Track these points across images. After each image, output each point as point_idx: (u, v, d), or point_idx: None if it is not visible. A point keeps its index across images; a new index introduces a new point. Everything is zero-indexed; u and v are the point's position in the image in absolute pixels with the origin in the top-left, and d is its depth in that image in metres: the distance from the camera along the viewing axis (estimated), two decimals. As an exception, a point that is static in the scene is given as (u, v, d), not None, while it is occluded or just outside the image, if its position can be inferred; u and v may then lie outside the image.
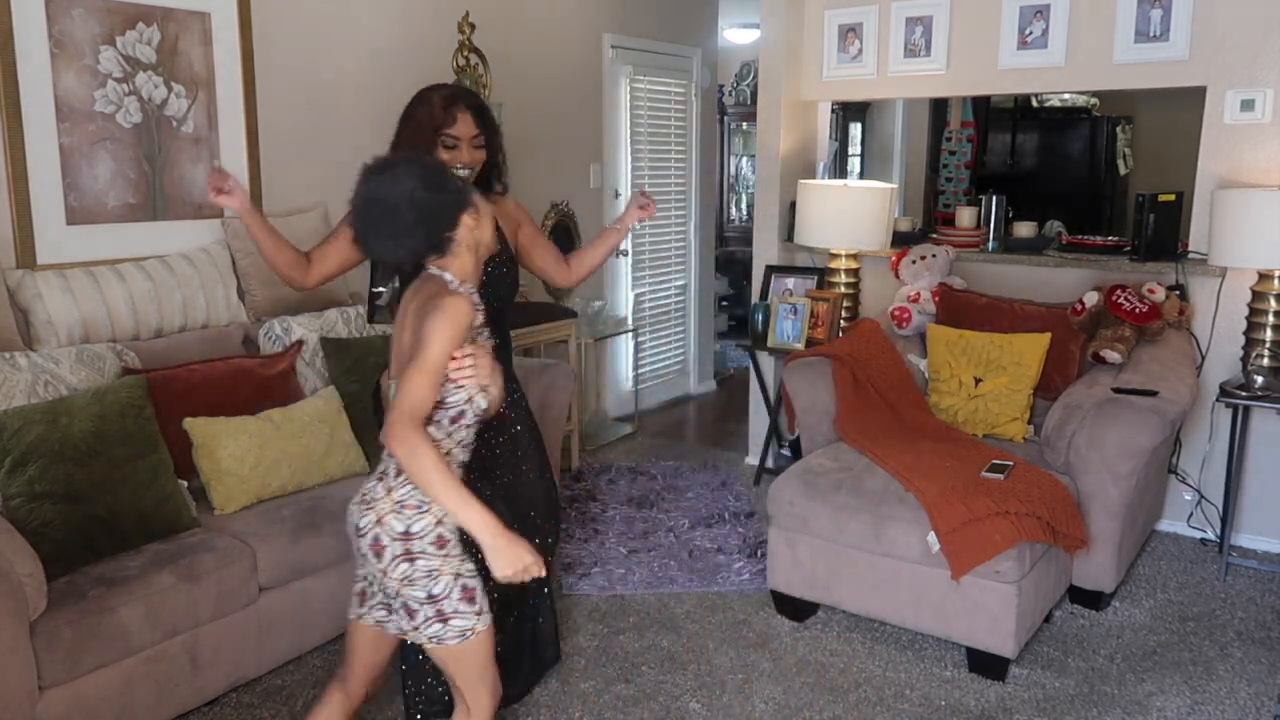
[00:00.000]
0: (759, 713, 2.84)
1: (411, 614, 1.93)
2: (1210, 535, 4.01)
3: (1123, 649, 3.17)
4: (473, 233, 2.01)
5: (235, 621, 2.79)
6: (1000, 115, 8.11)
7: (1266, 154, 3.80)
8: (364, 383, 3.44)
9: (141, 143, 3.44)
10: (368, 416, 3.39)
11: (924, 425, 3.68)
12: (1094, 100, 7.97)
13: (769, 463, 4.78)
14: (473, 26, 4.36)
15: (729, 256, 8.45)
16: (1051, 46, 4.14)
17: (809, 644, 3.21)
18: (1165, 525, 4.13)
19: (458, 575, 1.94)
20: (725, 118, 8.26)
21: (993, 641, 2.94)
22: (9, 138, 3.09)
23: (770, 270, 4.86)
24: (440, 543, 1.92)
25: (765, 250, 4.95)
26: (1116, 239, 4.58)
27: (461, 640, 1.93)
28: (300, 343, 3.45)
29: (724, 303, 8.12)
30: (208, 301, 3.46)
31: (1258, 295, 3.69)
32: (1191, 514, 4.06)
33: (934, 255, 4.30)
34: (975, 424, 3.72)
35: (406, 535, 1.91)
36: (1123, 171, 7.98)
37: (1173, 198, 4.08)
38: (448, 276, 1.99)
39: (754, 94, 6.97)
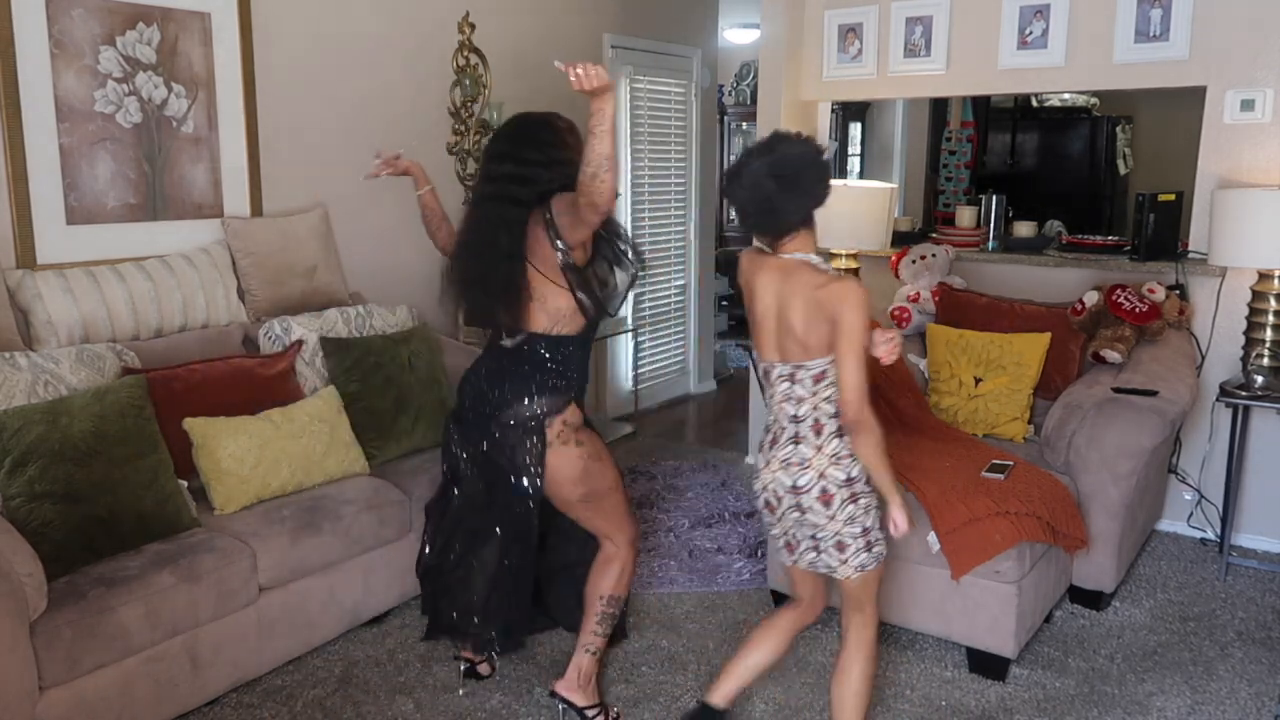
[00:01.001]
0: (759, 713, 2.84)
1: (843, 549, 2.28)
2: (1210, 535, 4.01)
3: (1123, 649, 3.17)
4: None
5: (235, 621, 2.79)
6: (1000, 115, 8.11)
7: (1266, 154, 3.79)
8: (364, 382, 3.45)
9: (141, 143, 3.44)
10: (368, 416, 3.40)
11: (924, 425, 3.68)
12: (1094, 100, 7.97)
13: (769, 463, 4.77)
14: (473, 26, 4.37)
15: (729, 256, 8.45)
16: (1051, 46, 4.14)
17: (809, 644, 3.21)
18: (1165, 525, 4.13)
19: (878, 508, 2.28)
20: (725, 118, 8.26)
21: (993, 641, 2.94)
22: (9, 138, 3.09)
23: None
24: (868, 482, 2.27)
25: (765, 250, 4.94)
26: (1116, 239, 4.59)
27: (877, 564, 2.32)
28: (300, 343, 3.45)
29: (724, 303, 8.12)
30: (208, 301, 3.46)
31: (1258, 295, 3.69)
32: (1191, 514, 4.06)
33: (934, 255, 4.30)
34: (975, 424, 3.72)
35: (849, 481, 2.25)
36: (1123, 171, 7.98)
37: (1173, 198, 4.08)
38: (814, 259, 2.26)
39: (754, 94, 6.98)
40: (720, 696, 2.48)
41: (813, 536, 2.29)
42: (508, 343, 2.58)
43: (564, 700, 2.72)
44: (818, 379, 2.23)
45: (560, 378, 2.55)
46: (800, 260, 2.25)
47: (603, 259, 2.55)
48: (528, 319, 2.52)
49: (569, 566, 2.85)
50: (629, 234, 2.64)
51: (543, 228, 2.46)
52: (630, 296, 5.81)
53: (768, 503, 2.34)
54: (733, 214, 9.24)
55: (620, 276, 2.57)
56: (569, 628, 2.92)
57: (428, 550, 2.85)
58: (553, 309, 2.51)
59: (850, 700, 2.34)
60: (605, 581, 2.69)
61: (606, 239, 2.55)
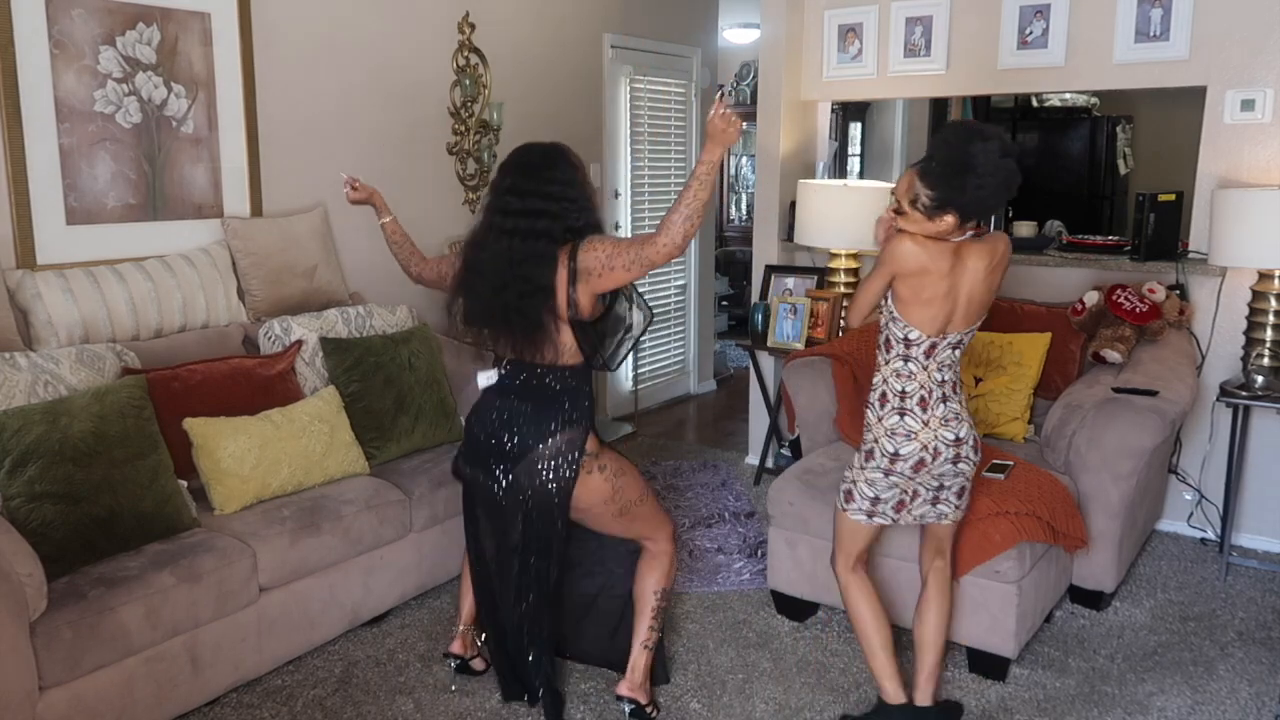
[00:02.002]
0: (759, 713, 2.84)
1: (961, 494, 2.64)
2: (1210, 535, 4.01)
3: (1123, 649, 3.17)
4: None
5: (235, 621, 2.79)
6: (1000, 115, 8.10)
7: (1266, 154, 3.79)
8: (364, 382, 3.45)
9: (141, 143, 3.44)
10: (368, 416, 3.40)
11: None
12: (1094, 100, 7.97)
13: (769, 463, 4.78)
14: (473, 26, 4.37)
15: (729, 256, 8.46)
16: (1051, 46, 4.14)
17: (809, 644, 3.21)
18: (1165, 525, 4.13)
19: None
20: (725, 118, 8.25)
21: (993, 641, 2.94)
22: (9, 138, 3.09)
23: (770, 270, 4.86)
24: None
25: (765, 250, 4.95)
26: (1116, 239, 4.58)
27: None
28: (300, 343, 3.45)
29: (724, 303, 8.12)
30: (208, 301, 3.46)
31: (1258, 295, 3.69)
32: (1192, 514, 4.06)
33: (934, 255, 4.29)
34: (975, 424, 3.70)
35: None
36: (1123, 171, 7.97)
37: (1173, 197, 4.08)
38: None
39: (754, 94, 6.97)
40: (923, 695, 2.70)
41: (949, 487, 2.59)
42: (504, 369, 2.58)
43: (631, 701, 2.75)
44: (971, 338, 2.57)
45: (574, 409, 2.55)
46: (974, 238, 2.49)
47: (615, 312, 2.58)
48: (541, 353, 2.51)
49: (587, 602, 2.90)
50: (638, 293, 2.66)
51: (565, 270, 2.44)
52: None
53: (921, 460, 2.52)
54: (733, 214, 9.19)
55: (630, 323, 2.60)
56: (600, 663, 2.97)
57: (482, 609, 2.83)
58: (559, 342, 2.50)
59: (943, 629, 2.70)
60: (654, 577, 2.76)
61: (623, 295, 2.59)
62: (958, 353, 2.54)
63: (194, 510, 2.91)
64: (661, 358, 6.28)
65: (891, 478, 2.55)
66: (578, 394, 2.56)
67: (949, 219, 2.40)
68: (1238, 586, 3.63)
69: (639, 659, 2.77)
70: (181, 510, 2.84)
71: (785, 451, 4.77)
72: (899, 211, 2.48)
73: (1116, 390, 3.44)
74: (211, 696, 2.78)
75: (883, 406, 2.55)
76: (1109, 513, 3.26)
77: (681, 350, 6.45)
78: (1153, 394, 3.37)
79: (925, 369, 2.51)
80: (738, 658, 3.13)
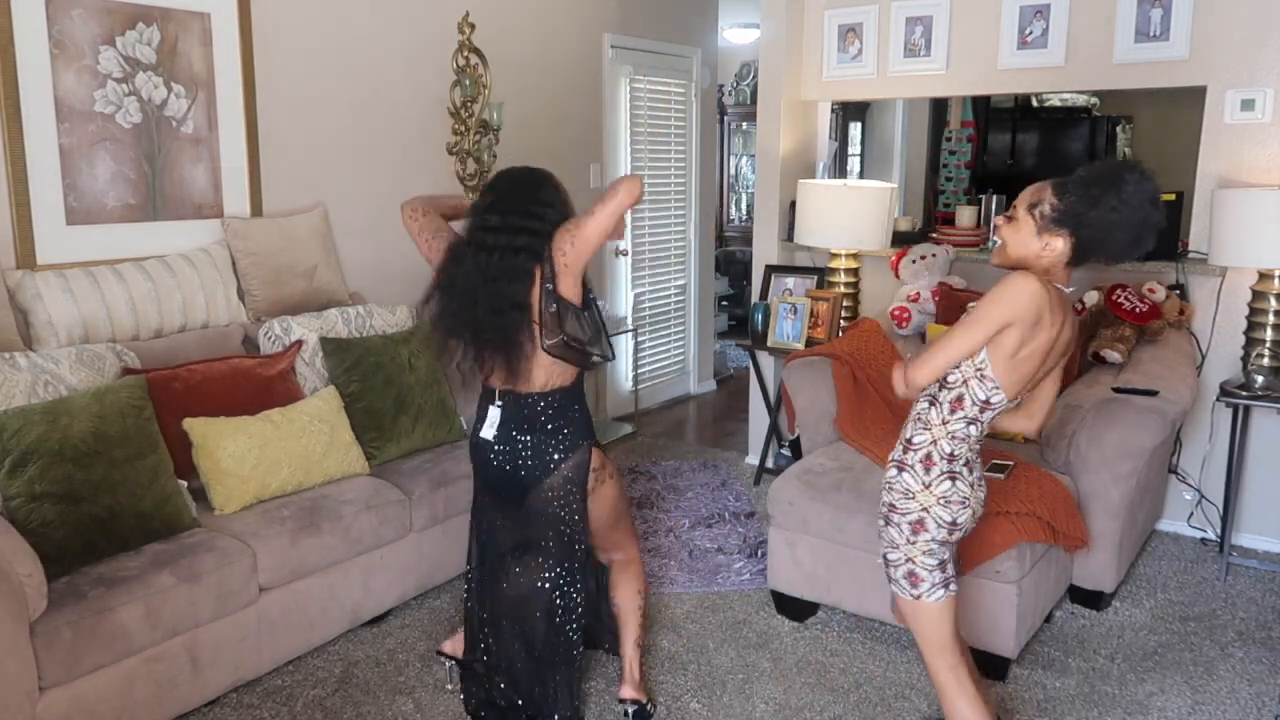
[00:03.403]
0: (759, 713, 2.84)
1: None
2: (1210, 535, 4.01)
3: (1123, 649, 3.17)
4: None
5: (235, 621, 2.79)
6: (1000, 115, 8.10)
7: (1266, 154, 3.79)
8: (364, 382, 3.45)
9: (141, 143, 3.44)
10: (368, 416, 3.40)
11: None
12: (1094, 100, 7.96)
13: (769, 463, 4.78)
14: (473, 26, 4.36)
15: (729, 256, 8.46)
16: (1051, 46, 4.14)
17: (809, 644, 3.21)
18: (1165, 525, 4.13)
19: None
20: (725, 118, 8.27)
21: (993, 641, 2.94)
22: (9, 138, 3.09)
23: (770, 270, 4.86)
24: None
25: (765, 250, 4.95)
26: (1117, 239, 4.57)
27: None
28: (300, 343, 3.45)
29: (724, 303, 8.12)
30: (208, 301, 3.46)
31: (1258, 295, 3.69)
32: (1192, 514, 4.06)
33: (934, 255, 4.30)
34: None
35: None
36: (1123, 171, 7.96)
37: (1173, 197, 4.08)
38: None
39: (754, 94, 6.98)
40: None
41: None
42: (498, 403, 2.54)
43: (633, 703, 2.76)
44: None
45: (574, 433, 2.55)
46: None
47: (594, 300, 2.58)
48: (527, 378, 2.49)
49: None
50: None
51: (539, 286, 2.42)
52: (629, 296, 5.81)
53: (968, 529, 2.33)
54: (733, 214, 9.16)
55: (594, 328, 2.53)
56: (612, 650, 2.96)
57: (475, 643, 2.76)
58: (546, 363, 2.48)
59: None
60: (635, 582, 2.83)
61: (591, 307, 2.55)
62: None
63: (194, 510, 2.91)
64: (661, 358, 6.28)
65: (947, 547, 2.30)
66: (573, 416, 2.56)
67: (1059, 243, 2.09)
68: (1238, 586, 3.63)
69: (634, 660, 2.81)
70: (181, 510, 2.84)
71: (785, 451, 4.77)
72: (1009, 218, 2.18)
73: (1116, 390, 3.44)
74: (211, 696, 2.78)
75: (928, 471, 2.24)
76: (1109, 513, 3.26)
77: (681, 350, 6.45)
78: (1153, 394, 3.37)
79: (982, 432, 2.26)
80: (738, 658, 3.13)
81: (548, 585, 2.58)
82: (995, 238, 2.26)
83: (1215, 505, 3.96)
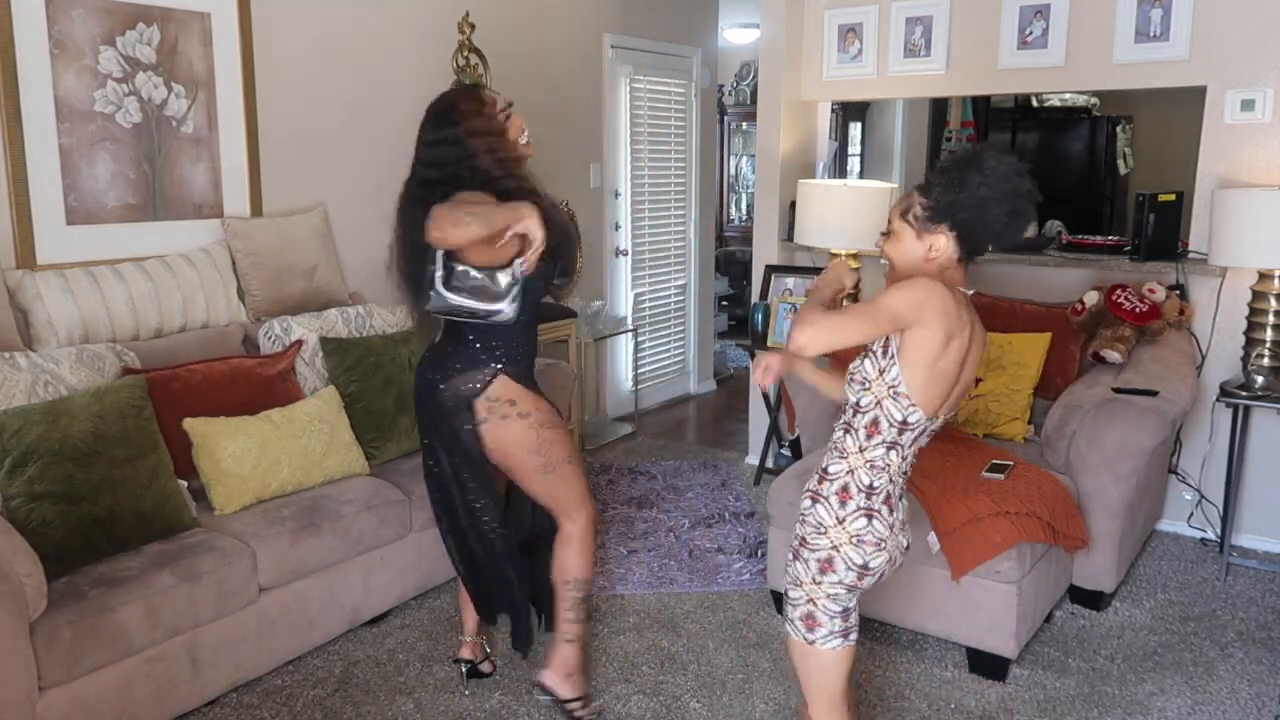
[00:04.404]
0: (759, 713, 2.84)
1: None
2: (1210, 535, 4.01)
3: (1123, 649, 3.17)
4: None
5: (235, 621, 2.79)
6: (1000, 115, 8.10)
7: (1266, 154, 3.79)
8: (364, 382, 3.45)
9: (141, 143, 3.44)
10: (368, 416, 3.40)
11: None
12: (1094, 100, 7.96)
13: (769, 463, 4.78)
14: (473, 26, 4.36)
15: (729, 256, 8.46)
16: (1051, 46, 4.14)
17: (809, 644, 3.20)
18: (1165, 525, 4.12)
19: None
20: (725, 118, 8.26)
21: (993, 642, 2.94)
22: (9, 138, 3.09)
23: (770, 270, 4.86)
24: None
25: (765, 250, 4.95)
26: (1116, 239, 4.58)
27: None
28: (300, 343, 3.45)
29: (724, 303, 8.12)
30: (208, 301, 3.46)
31: (1258, 295, 3.69)
32: (1192, 514, 4.06)
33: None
34: (975, 424, 3.71)
35: None
36: (1123, 171, 7.97)
37: (1173, 198, 4.08)
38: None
39: (754, 94, 6.97)
40: None
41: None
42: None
43: (548, 691, 2.75)
44: None
45: (483, 351, 2.57)
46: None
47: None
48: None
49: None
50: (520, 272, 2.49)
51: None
52: (629, 296, 5.81)
53: (882, 575, 2.08)
54: (733, 214, 9.15)
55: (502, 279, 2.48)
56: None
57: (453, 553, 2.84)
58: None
59: None
60: (568, 562, 2.69)
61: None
62: (925, 437, 2.08)
63: (194, 510, 2.91)
64: (661, 358, 6.28)
65: (854, 593, 2.06)
66: (489, 337, 2.56)
67: (942, 240, 1.99)
68: (1238, 587, 3.63)
69: (562, 651, 2.74)
70: (181, 510, 2.84)
71: (785, 451, 4.77)
72: (886, 234, 2.09)
73: (1116, 390, 3.44)
74: (211, 697, 2.78)
75: (844, 505, 2.03)
76: (1109, 513, 3.26)
77: (681, 350, 6.45)
78: (1153, 394, 3.37)
79: (904, 459, 2.06)
80: (738, 658, 3.12)
81: (478, 507, 2.67)
82: (881, 260, 2.15)
83: (1215, 505, 3.96)
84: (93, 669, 2.45)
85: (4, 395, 2.68)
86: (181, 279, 3.40)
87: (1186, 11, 3.84)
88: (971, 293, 2.06)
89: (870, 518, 2.02)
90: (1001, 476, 3.08)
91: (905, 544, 2.11)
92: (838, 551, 2.02)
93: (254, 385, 3.22)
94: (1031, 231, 4.69)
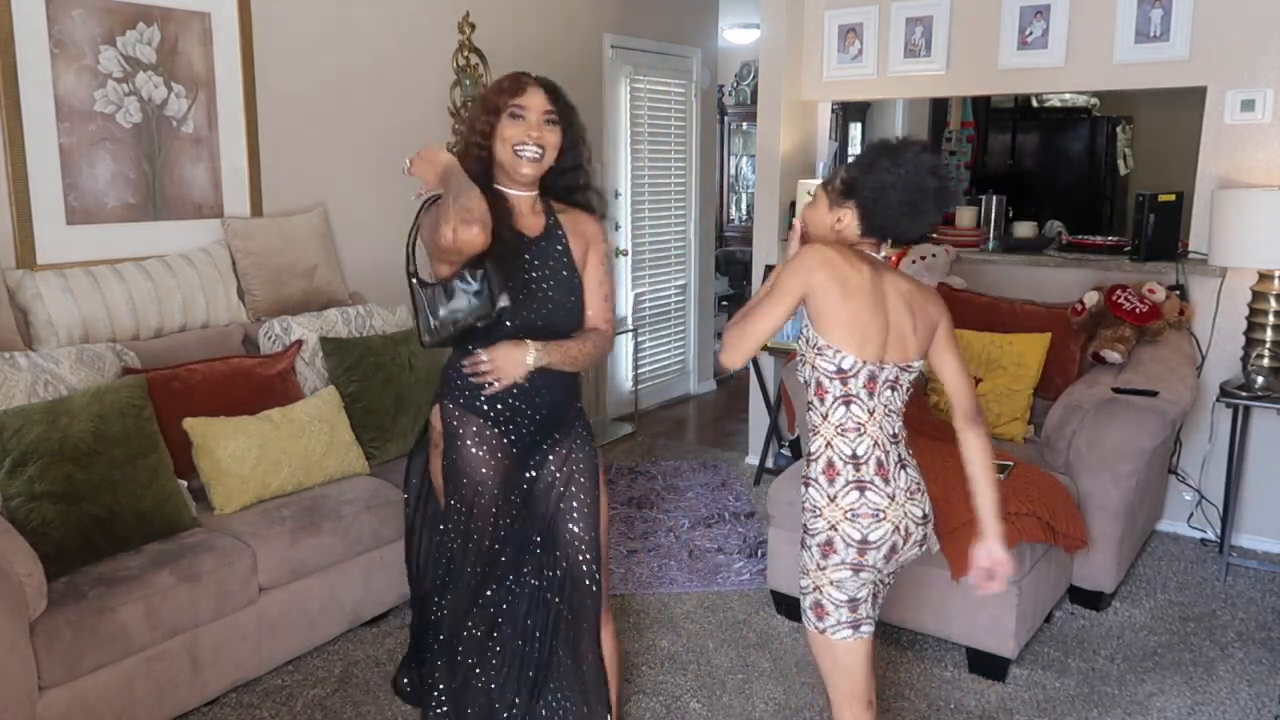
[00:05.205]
0: (759, 713, 2.84)
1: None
2: (1210, 535, 4.01)
3: (1123, 649, 3.17)
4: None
5: (235, 621, 2.79)
6: (1000, 115, 8.10)
7: (1266, 154, 3.79)
8: (364, 382, 3.45)
9: (141, 143, 3.44)
10: (368, 416, 3.40)
11: (924, 425, 3.67)
12: (1094, 100, 7.96)
13: (769, 463, 4.78)
14: (473, 26, 4.37)
15: (729, 256, 8.45)
16: (1051, 46, 4.14)
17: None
18: (1165, 525, 4.13)
19: None
20: (725, 118, 8.26)
21: (993, 642, 2.94)
22: (9, 138, 3.09)
23: (770, 270, 4.85)
24: None
25: (765, 250, 4.95)
26: (1116, 239, 4.58)
27: None
28: (300, 342, 3.45)
29: (724, 303, 8.11)
30: (208, 301, 3.46)
31: (1258, 295, 3.69)
32: (1191, 514, 4.06)
33: (934, 255, 4.30)
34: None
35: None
36: (1123, 171, 7.97)
37: (1173, 198, 4.08)
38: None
39: (754, 94, 6.97)
40: None
41: (892, 577, 2.13)
42: None
43: None
44: (911, 387, 2.09)
45: (443, 379, 2.31)
46: (893, 272, 2.11)
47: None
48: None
49: None
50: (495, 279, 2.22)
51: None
52: (629, 296, 5.81)
53: (894, 546, 2.02)
54: (733, 214, 9.14)
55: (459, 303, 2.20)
56: None
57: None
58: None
59: None
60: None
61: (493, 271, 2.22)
62: (898, 398, 2.06)
63: (194, 510, 2.91)
64: (661, 358, 6.28)
65: (863, 574, 2.01)
66: (447, 372, 2.30)
67: (848, 215, 2.04)
68: (1238, 587, 3.63)
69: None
70: (181, 510, 2.85)
71: (785, 451, 4.77)
72: (812, 200, 2.16)
73: (1116, 390, 3.44)
74: (211, 696, 2.78)
75: (832, 482, 2.01)
76: (1109, 513, 3.26)
77: (681, 350, 6.45)
78: (1153, 394, 3.37)
79: (872, 415, 2.02)
80: (738, 658, 3.13)
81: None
82: (795, 223, 2.23)
83: (1215, 505, 3.96)
84: (93, 669, 2.45)
85: (4, 395, 2.68)
86: (181, 279, 3.40)
87: (1186, 12, 3.84)
88: (936, 284, 2.10)
89: (863, 490, 2.00)
90: (1001, 476, 3.08)
91: (921, 513, 2.07)
92: (836, 531, 2.01)
93: (254, 385, 3.22)
94: (1032, 232, 4.70)
